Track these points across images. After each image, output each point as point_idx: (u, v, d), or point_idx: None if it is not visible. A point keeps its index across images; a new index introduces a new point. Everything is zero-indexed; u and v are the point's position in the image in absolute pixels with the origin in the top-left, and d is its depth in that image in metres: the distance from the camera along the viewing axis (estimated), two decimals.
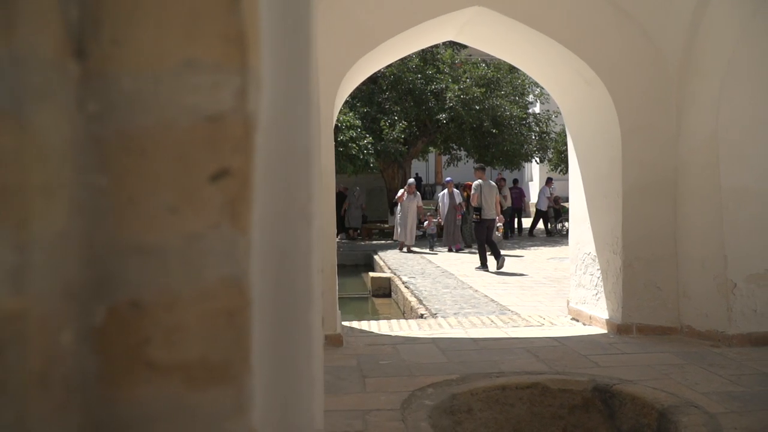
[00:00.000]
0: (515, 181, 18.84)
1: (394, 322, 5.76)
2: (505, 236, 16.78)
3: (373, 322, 5.63)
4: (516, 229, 17.95)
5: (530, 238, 17.14)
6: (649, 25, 4.71)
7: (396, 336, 4.94)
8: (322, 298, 4.01)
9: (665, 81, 4.73)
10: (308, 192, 0.64)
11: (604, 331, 4.94)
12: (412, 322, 5.77)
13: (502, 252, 10.84)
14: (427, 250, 13.79)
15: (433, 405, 3.51)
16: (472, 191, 10.61)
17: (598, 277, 5.08)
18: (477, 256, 10.86)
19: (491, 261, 10.56)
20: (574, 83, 5.10)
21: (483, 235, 10.54)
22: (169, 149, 0.54)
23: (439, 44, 16.14)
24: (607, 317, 4.95)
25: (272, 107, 0.63)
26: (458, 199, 13.38)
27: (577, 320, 5.43)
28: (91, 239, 0.54)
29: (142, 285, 0.55)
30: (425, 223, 14.40)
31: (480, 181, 10.58)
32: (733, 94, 4.34)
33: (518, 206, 17.77)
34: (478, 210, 10.38)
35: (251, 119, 0.57)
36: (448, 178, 14.24)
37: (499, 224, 11.38)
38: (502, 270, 10.36)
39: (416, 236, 14.21)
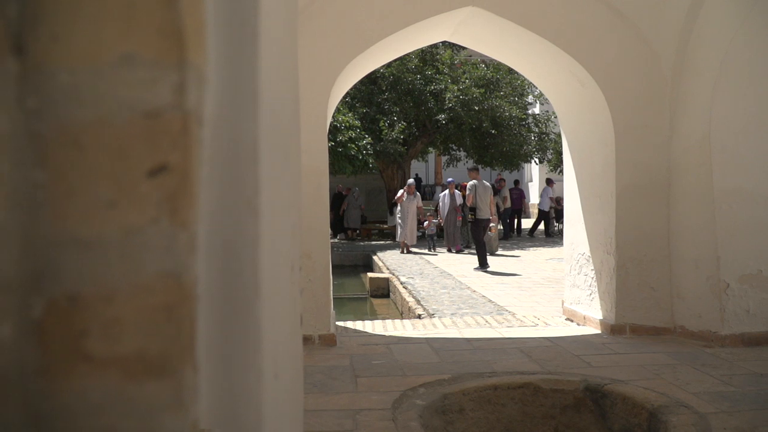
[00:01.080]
0: (516, 182, 18.85)
1: (388, 322, 5.76)
2: (505, 236, 16.81)
3: (367, 322, 5.63)
4: (515, 230, 17.94)
5: (530, 238, 17.14)
6: (643, 26, 4.71)
7: (390, 336, 4.95)
8: (315, 298, 4.00)
9: (659, 82, 4.73)
10: (256, 187, 0.65)
11: (598, 331, 4.94)
12: (407, 322, 5.78)
13: (498, 252, 10.90)
14: (427, 251, 13.79)
15: (424, 405, 3.51)
16: (467, 192, 10.75)
17: (592, 278, 5.08)
18: (476, 257, 10.88)
19: (484, 259, 10.62)
20: (569, 84, 5.10)
21: (480, 234, 10.62)
22: (107, 144, 0.55)
23: (439, 45, 16.15)
24: (601, 317, 4.95)
25: (218, 102, 0.64)
26: (459, 200, 13.37)
27: (572, 320, 5.43)
28: (29, 233, 0.54)
29: (81, 279, 0.55)
30: (425, 223, 14.39)
31: (475, 181, 10.70)
32: (726, 94, 4.34)
33: (518, 207, 17.77)
34: (473, 210, 10.51)
35: (191, 114, 0.57)
36: (450, 179, 14.23)
37: (492, 225, 11.49)
38: (500, 270, 10.43)
39: (416, 237, 14.20)
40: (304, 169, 4.52)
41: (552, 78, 5.34)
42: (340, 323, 5.40)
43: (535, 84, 5.91)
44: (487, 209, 10.66)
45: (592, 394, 3.68)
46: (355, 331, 5.20)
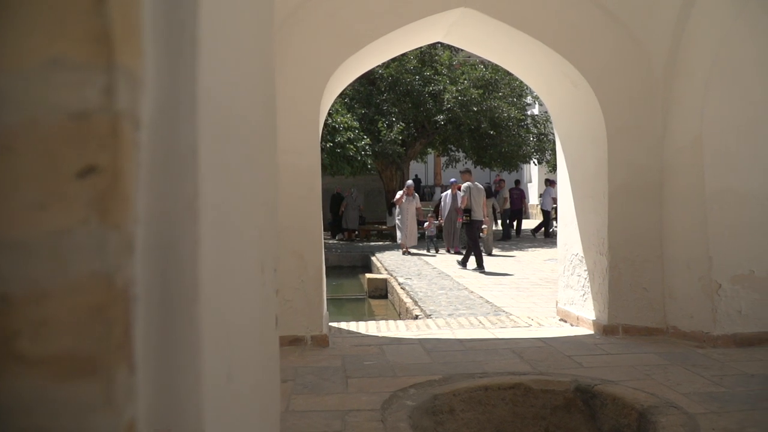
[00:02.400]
0: (516, 182, 18.85)
1: (382, 323, 5.77)
2: (505, 237, 16.81)
3: (361, 323, 5.64)
4: (516, 231, 17.91)
5: (529, 239, 17.13)
6: (634, 27, 4.72)
7: (383, 337, 4.95)
8: (307, 299, 3.99)
9: (651, 83, 4.73)
10: (195, 188, 0.65)
11: (591, 332, 4.94)
12: (401, 322, 5.78)
13: (496, 253, 10.96)
14: (426, 252, 13.78)
15: (414, 405, 3.51)
16: (462, 193, 10.87)
17: (585, 278, 5.08)
18: (474, 258, 10.91)
19: (481, 260, 10.73)
20: (561, 84, 5.10)
21: (476, 235, 10.73)
22: (35, 146, 0.55)
23: (437, 46, 16.17)
24: (594, 318, 4.95)
25: (157, 105, 0.64)
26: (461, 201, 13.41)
27: (565, 321, 5.44)
28: None
29: (11, 279, 0.56)
30: (425, 224, 14.38)
31: (469, 183, 10.84)
32: (718, 95, 4.34)
33: (518, 207, 17.76)
34: (468, 212, 10.62)
35: (121, 116, 0.57)
36: (453, 179, 14.19)
37: (484, 226, 11.66)
38: (498, 271, 10.48)
39: (416, 238, 14.18)
40: (296, 170, 4.54)
41: (545, 79, 5.34)
42: (333, 324, 5.41)
43: (528, 85, 5.92)
44: (480, 211, 10.85)
45: (582, 395, 3.68)
46: (349, 331, 5.20)
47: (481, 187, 11.29)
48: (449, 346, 4.59)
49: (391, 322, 5.86)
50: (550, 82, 5.32)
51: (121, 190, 0.58)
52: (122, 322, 0.59)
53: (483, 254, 11.80)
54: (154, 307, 0.65)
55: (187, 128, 0.65)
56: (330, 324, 5.26)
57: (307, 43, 4.61)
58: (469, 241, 10.99)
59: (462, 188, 10.97)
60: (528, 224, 20.76)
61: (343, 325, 5.49)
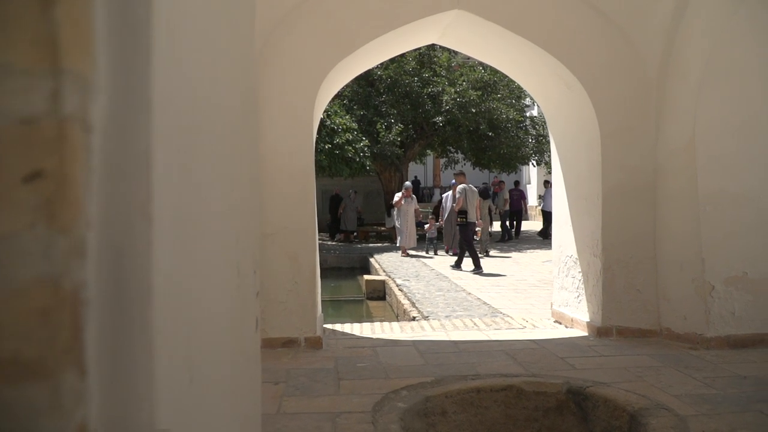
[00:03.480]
0: (516, 183, 18.83)
1: (377, 324, 5.76)
2: (503, 239, 16.81)
3: (356, 325, 5.63)
4: (515, 232, 17.88)
5: (528, 240, 17.11)
6: (628, 29, 4.72)
7: (377, 339, 4.95)
8: (300, 300, 3.98)
9: (645, 85, 4.74)
10: (148, 192, 0.66)
11: (585, 333, 4.94)
12: (395, 324, 5.78)
13: (495, 254, 10.99)
14: (425, 254, 13.75)
15: (405, 407, 3.51)
16: (457, 195, 10.95)
17: (580, 280, 5.08)
18: (471, 260, 10.93)
19: (477, 261, 10.78)
20: (555, 86, 5.11)
21: (470, 237, 10.83)
22: None
23: (436, 47, 16.16)
24: (588, 320, 4.95)
25: (111, 110, 0.64)
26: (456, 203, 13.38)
27: (560, 323, 5.44)
28: None
29: None
30: (426, 225, 14.36)
31: (464, 185, 10.92)
32: (711, 97, 4.35)
33: (518, 208, 17.75)
34: (464, 213, 10.68)
35: (70, 121, 0.58)
36: (454, 181, 14.15)
37: (478, 228, 11.72)
38: (496, 272, 10.50)
39: (415, 239, 14.16)
40: (290, 171, 4.54)
41: (539, 80, 5.35)
42: (328, 326, 5.41)
43: (523, 86, 5.92)
44: (474, 213, 10.95)
45: (574, 397, 3.68)
46: (343, 333, 5.20)
47: (474, 189, 11.39)
48: (443, 347, 4.59)
49: (385, 323, 5.86)
50: (544, 84, 5.32)
51: (69, 195, 0.59)
52: (70, 325, 0.60)
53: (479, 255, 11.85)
54: (108, 311, 0.65)
55: (141, 133, 0.66)
56: (324, 326, 5.27)
57: (302, 44, 4.62)
58: (463, 242, 11.05)
59: (457, 190, 11.04)
60: (527, 226, 20.76)
61: (338, 326, 5.49)
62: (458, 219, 10.92)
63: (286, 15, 4.59)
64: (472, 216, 10.88)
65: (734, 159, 4.37)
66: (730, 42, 4.24)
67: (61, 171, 0.57)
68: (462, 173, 11.54)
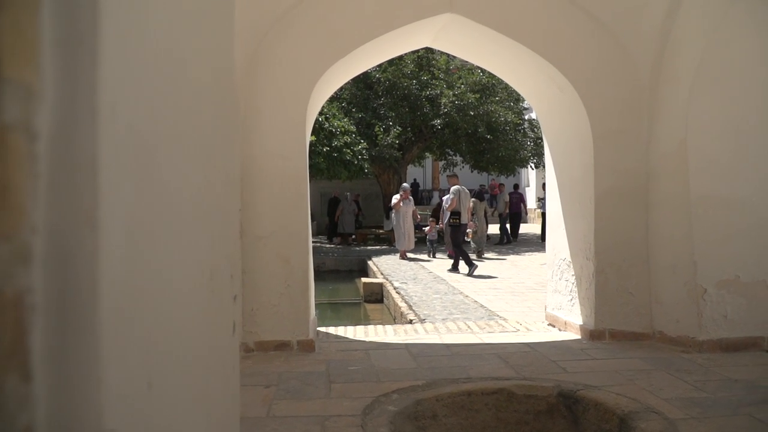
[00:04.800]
0: (515, 186, 18.85)
1: (370, 327, 5.76)
2: (501, 241, 16.81)
3: (349, 328, 5.63)
4: (514, 234, 17.88)
5: (526, 243, 17.11)
6: (620, 33, 4.73)
7: (370, 342, 4.95)
8: (293, 303, 3.98)
9: (637, 88, 4.74)
10: (94, 199, 0.66)
11: (578, 336, 4.94)
12: (389, 327, 5.78)
13: (493, 257, 11.02)
14: (427, 256, 13.72)
15: (396, 411, 3.51)
16: (451, 196, 11.02)
17: (573, 283, 5.08)
18: (463, 261, 10.96)
19: (469, 261, 10.87)
20: (548, 89, 5.11)
21: (460, 238, 10.95)
22: None
23: (434, 50, 16.19)
24: (581, 323, 4.95)
25: (57, 118, 0.65)
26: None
27: (554, 326, 5.44)
28: None
29: None
30: (426, 228, 14.35)
31: (457, 186, 10.99)
32: (702, 100, 4.35)
33: (517, 210, 17.76)
34: (457, 215, 10.76)
35: (11, 128, 0.58)
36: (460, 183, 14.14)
37: (469, 230, 11.75)
38: (493, 275, 10.52)
39: (414, 241, 14.14)
40: (282, 174, 4.55)
41: (532, 83, 5.36)
42: (321, 329, 5.41)
43: (517, 89, 5.93)
44: (466, 214, 11.08)
45: (565, 400, 3.68)
46: (336, 336, 5.20)
47: (467, 191, 11.49)
48: (435, 351, 4.59)
49: (379, 326, 5.86)
50: (537, 87, 5.33)
51: (12, 201, 0.59)
52: (13, 330, 0.60)
53: (475, 257, 11.89)
54: (54, 316, 0.65)
55: (87, 139, 0.66)
56: (318, 329, 5.27)
57: (295, 47, 4.63)
58: (453, 245, 11.15)
59: (452, 191, 11.10)
60: (526, 228, 20.76)
61: (332, 329, 5.50)
62: (451, 220, 10.97)
63: (280, 18, 4.61)
64: (464, 217, 10.97)
65: (726, 162, 4.37)
66: (721, 45, 4.25)
67: (3, 178, 0.58)
68: (455, 175, 11.68)
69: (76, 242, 0.66)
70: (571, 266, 5.11)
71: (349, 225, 17.50)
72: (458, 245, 10.94)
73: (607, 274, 4.75)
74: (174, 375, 0.98)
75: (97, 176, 0.67)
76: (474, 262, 11.02)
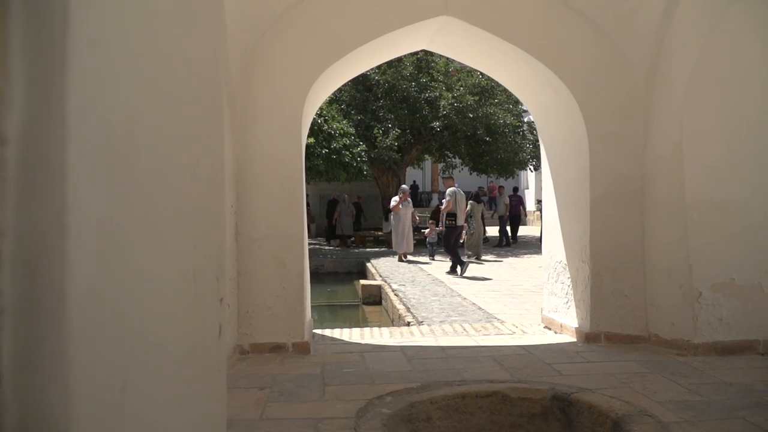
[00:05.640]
0: (515, 189, 18.87)
1: (366, 330, 5.76)
2: (500, 243, 16.81)
3: (345, 330, 5.63)
4: (513, 237, 17.88)
5: (525, 245, 17.11)
6: (616, 35, 4.73)
7: (365, 344, 4.94)
8: (288, 306, 3.98)
9: (632, 90, 4.75)
10: (63, 204, 0.66)
11: (574, 339, 4.94)
12: (385, 330, 5.77)
13: (491, 259, 11.03)
14: (428, 259, 13.70)
15: (390, 413, 3.51)
16: (447, 197, 11.03)
17: (569, 286, 5.08)
18: (471, 265, 11.02)
19: (457, 263, 10.96)
20: (544, 92, 5.12)
21: (452, 240, 11.05)
22: None
23: (433, 52, 16.20)
24: (577, 325, 4.95)
25: (26, 123, 0.65)
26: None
27: (550, 328, 5.43)
28: None
29: None
30: (427, 231, 14.33)
31: (453, 188, 11.02)
32: (697, 103, 4.35)
33: (517, 213, 17.78)
34: (453, 216, 10.78)
35: None
36: (456, 185, 14.13)
37: (463, 232, 11.85)
38: (492, 277, 10.55)
39: (413, 244, 14.13)
40: (278, 176, 4.55)
41: (528, 86, 5.36)
42: (317, 331, 5.40)
43: (513, 92, 5.94)
44: (462, 216, 11.09)
45: (559, 403, 3.68)
46: (332, 339, 5.20)
47: (462, 193, 11.52)
48: (431, 353, 4.59)
49: (375, 329, 5.86)
50: (533, 90, 5.33)
51: None
52: None
53: (474, 258, 11.87)
54: (22, 320, 0.65)
55: (55, 144, 0.67)
56: (314, 331, 5.26)
57: (291, 49, 4.64)
58: (444, 245, 11.20)
59: (448, 192, 11.11)
60: (525, 231, 20.75)
61: (327, 332, 5.49)
62: (447, 221, 11.00)
63: (276, 21, 4.61)
64: (460, 219, 11.00)
65: (722, 165, 4.37)
66: (716, 48, 4.25)
67: None
68: (450, 177, 11.70)
69: (45, 246, 0.66)
70: (567, 269, 5.11)
71: (347, 227, 17.50)
72: (450, 246, 11.00)
73: (603, 277, 4.74)
74: (153, 377, 0.99)
75: (65, 180, 0.67)
76: (465, 261, 11.06)
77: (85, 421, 0.71)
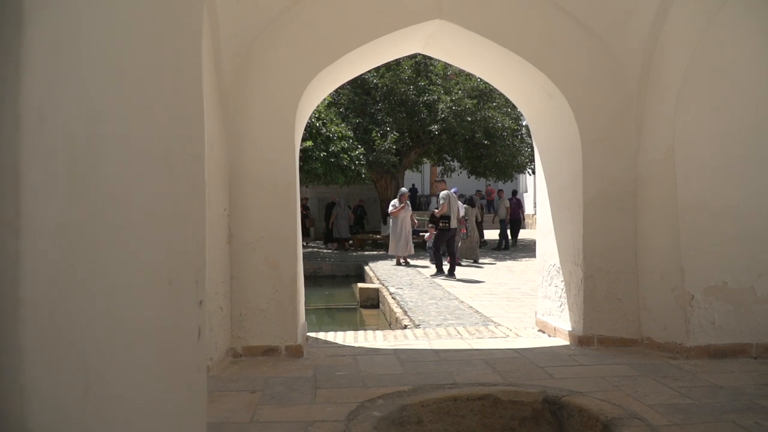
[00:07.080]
0: (514, 192, 18.89)
1: (360, 332, 5.76)
2: (500, 246, 16.81)
3: (339, 333, 5.63)
4: (513, 240, 17.87)
5: (524, 249, 17.11)
6: (609, 39, 4.75)
7: (358, 347, 4.95)
8: (281, 309, 3.97)
9: (625, 94, 4.76)
10: (16, 207, 0.67)
11: (567, 342, 4.94)
12: (378, 333, 5.77)
13: (490, 262, 11.05)
14: (429, 262, 13.70)
15: (381, 416, 3.50)
16: (441, 200, 11.08)
17: (562, 289, 5.08)
18: (469, 269, 11.03)
19: (441, 267, 11.13)
20: (538, 95, 5.13)
21: (441, 243, 11.13)
22: None
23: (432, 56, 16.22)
24: (570, 329, 4.95)
25: None
26: (462, 211, 12.49)
27: (543, 332, 5.43)
28: None
29: None
30: (426, 234, 14.32)
31: (446, 191, 11.09)
32: (689, 107, 4.36)
33: (516, 216, 17.79)
34: (447, 219, 10.84)
35: None
36: (455, 189, 14.12)
37: (456, 235, 11.90)
38: (490, 281, 10.56)
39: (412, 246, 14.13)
40: (271, 179, 4.55)
41: (522, 89, 5.37)
42: (311, 334, 5.40)
43: (507, 96, 5.95)
44: (455, 219, 11.13)
45: (550, 406, 3.68)
46: (326, 342, 5.20)
47: (455, 197, 11.58)
48: (424, 356, 4.59)
49: (369, 332, 5.86)
50: (527, 93, 5.34)
51: None
52: None
53: (472, 262, 11.86)
54: None
55: (9, 147, 0.67)
56: (308, 334, 5.26)
57: (284, 53, 4.65)
58: (432, 247, 11.24)
59: (441, 195, 11.16)
60: (524, 234, 20.75)
61: (321, 335, 5.49)
62: (441, 224, 11.02)
63: (268, 25, 4.63)
64: (453, 222, 11.04)
65: (713, 169, 4.38)
66: (708, 52, 4.26)
67: None
68: (443, 180, 11.88)
69: (1, 250, 0.67)
70: (561, 272, 5.11)
71: (344, 230, 17.50)
72: (438, 248, 11.07)
73: (596, 281, 4.75)
74: (121, 379, 0.99)
75: (19, 183, 0.68)
76: (444, 269, 11.11)
77: (45, 420, 0.72)
